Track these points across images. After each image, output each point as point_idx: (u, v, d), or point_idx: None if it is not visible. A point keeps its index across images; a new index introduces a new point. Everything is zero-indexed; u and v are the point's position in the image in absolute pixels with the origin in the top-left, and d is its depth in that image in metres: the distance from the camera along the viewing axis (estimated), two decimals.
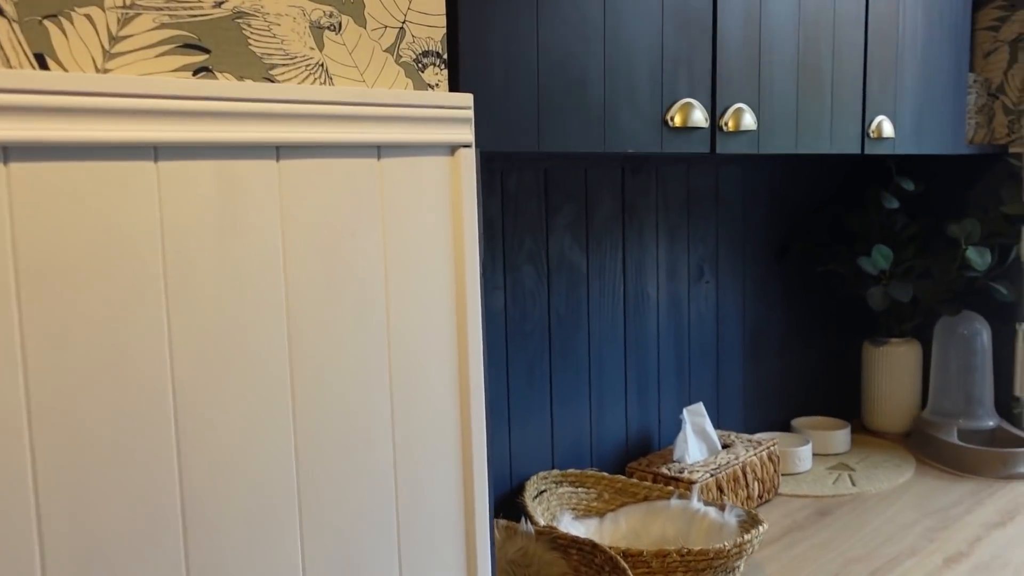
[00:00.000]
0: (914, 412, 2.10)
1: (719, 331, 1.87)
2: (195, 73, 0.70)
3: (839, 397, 2.17)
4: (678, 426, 1.76)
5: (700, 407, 1.72)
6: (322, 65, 0.77)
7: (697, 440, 1.69)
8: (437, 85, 0.86)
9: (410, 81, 0.83)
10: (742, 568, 1.30)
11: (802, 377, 2.10)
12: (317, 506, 0.77)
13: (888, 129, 1.52)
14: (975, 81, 1.94)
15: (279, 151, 0.72)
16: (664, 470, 1.60)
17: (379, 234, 0.80)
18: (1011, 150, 1.97)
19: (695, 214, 1.77)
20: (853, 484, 1.81)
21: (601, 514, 1.51)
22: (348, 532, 0.80)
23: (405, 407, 0.84)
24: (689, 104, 1.13)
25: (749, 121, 1.22)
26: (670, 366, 1.78)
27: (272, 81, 0.74)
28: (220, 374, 0.70)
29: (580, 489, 1.54)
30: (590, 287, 1.57)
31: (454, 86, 0.89)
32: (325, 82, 0.77)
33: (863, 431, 2.12)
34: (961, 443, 1.91)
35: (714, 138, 1.20)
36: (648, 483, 1.53)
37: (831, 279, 2.03)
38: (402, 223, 0.82)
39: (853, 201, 2.07)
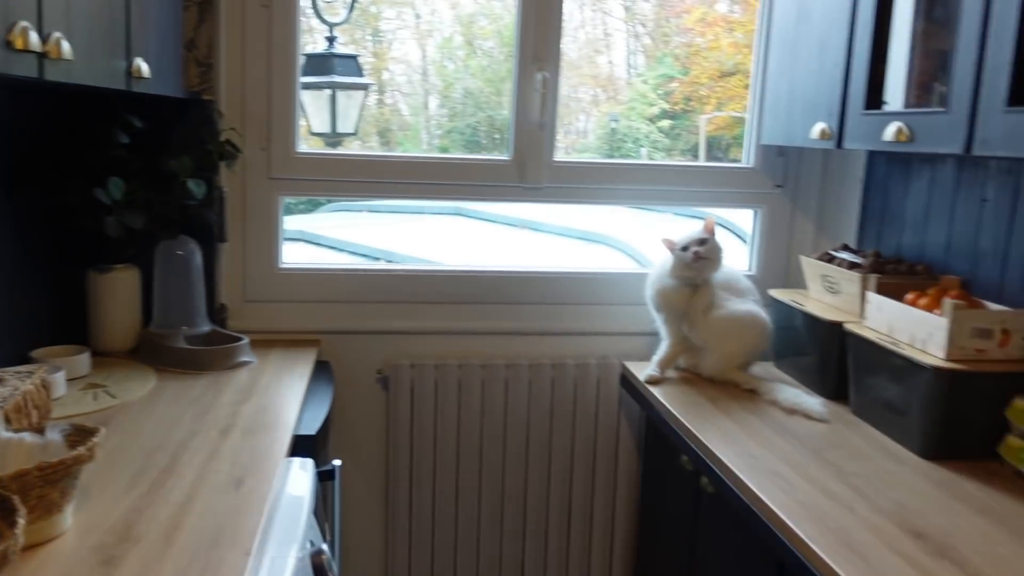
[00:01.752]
0: (138, 329, 2.33)
1: None
2: None
3: (72, 325, 2.25)
4: None
5: None
6: None
7: None
8: None
9: None
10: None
11: (38, 309, 2.12)
12: None
13: (146, 70, 1.70)
14: None
15: None
16: None
17: None
18: (204, 96, 2.33)
19: None
20: (113, 397, 1.97)
21: None
22: None
23: None
24: (27, 27, 1.13)
25: (67, 50, 1.26)
26: None
27: None
28: None
29: None
30: None
31: None
32: None
33: (95, 353, 2.26)
34: (189, 347, 2.25)
35: (43, 64, 1.21)
36: None
37: (63, 211, 2.09)
38: None
39: (82, 136, 2.15)
